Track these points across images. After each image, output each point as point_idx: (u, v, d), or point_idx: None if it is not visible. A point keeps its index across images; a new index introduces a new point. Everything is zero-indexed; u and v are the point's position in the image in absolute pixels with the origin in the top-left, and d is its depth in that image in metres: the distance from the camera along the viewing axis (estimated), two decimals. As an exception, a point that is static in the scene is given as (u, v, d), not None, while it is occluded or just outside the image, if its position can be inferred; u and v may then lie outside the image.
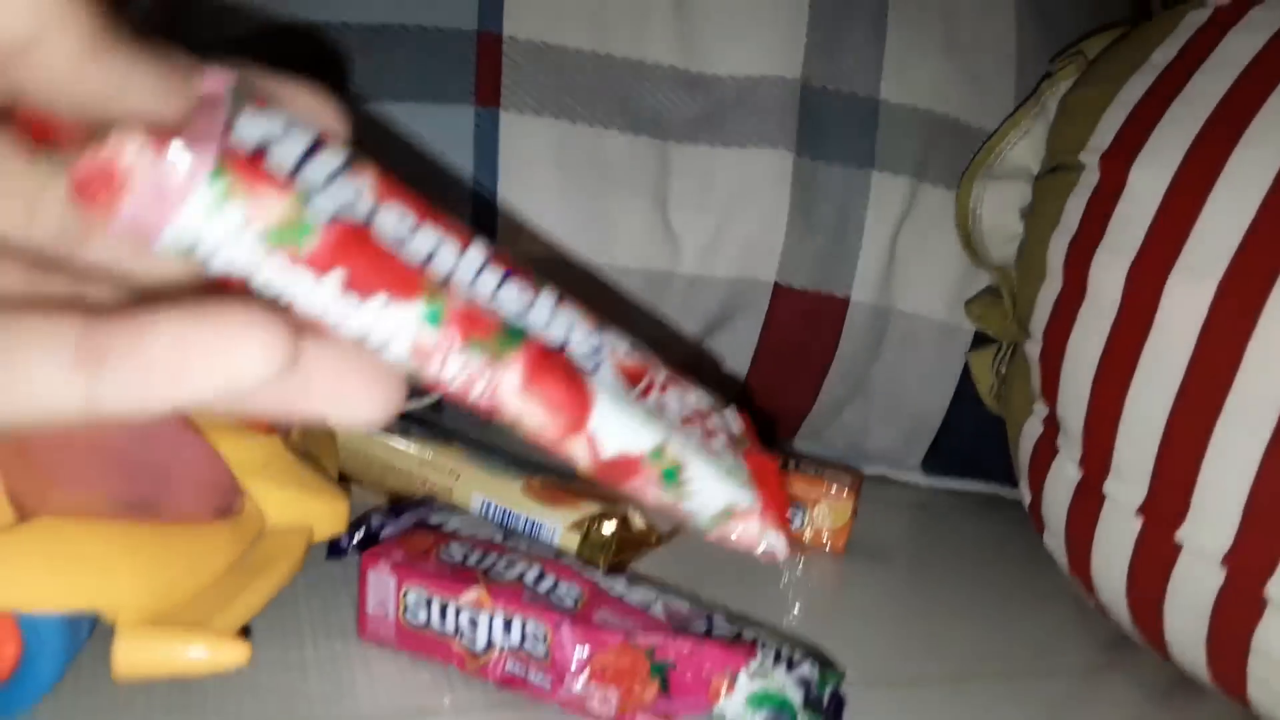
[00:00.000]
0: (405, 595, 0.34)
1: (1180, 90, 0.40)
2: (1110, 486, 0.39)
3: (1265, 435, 0.35)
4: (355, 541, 0.38)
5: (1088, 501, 0.40)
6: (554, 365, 0.19)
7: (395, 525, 0.38)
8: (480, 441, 0.46)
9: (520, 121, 0.52)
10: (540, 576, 0.35)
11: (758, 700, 0.33)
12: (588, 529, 0.40)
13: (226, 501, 0.31)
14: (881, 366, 0.59)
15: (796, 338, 0.57)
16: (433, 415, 0.56)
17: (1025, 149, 0.51)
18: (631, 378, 0.23)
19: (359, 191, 0.18)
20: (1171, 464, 0.36)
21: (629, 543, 0.41)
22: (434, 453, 0.43)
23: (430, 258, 0.18)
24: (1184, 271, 0.37)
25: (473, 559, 0.35)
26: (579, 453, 0.21)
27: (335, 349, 0.18)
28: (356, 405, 0.18)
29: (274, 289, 0.17)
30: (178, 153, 0.16)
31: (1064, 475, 0.42)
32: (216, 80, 0.18)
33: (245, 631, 0.28)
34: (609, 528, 0.40)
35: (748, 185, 0.55)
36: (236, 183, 0.16)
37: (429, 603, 0.34)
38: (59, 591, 0.25)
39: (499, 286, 0.19)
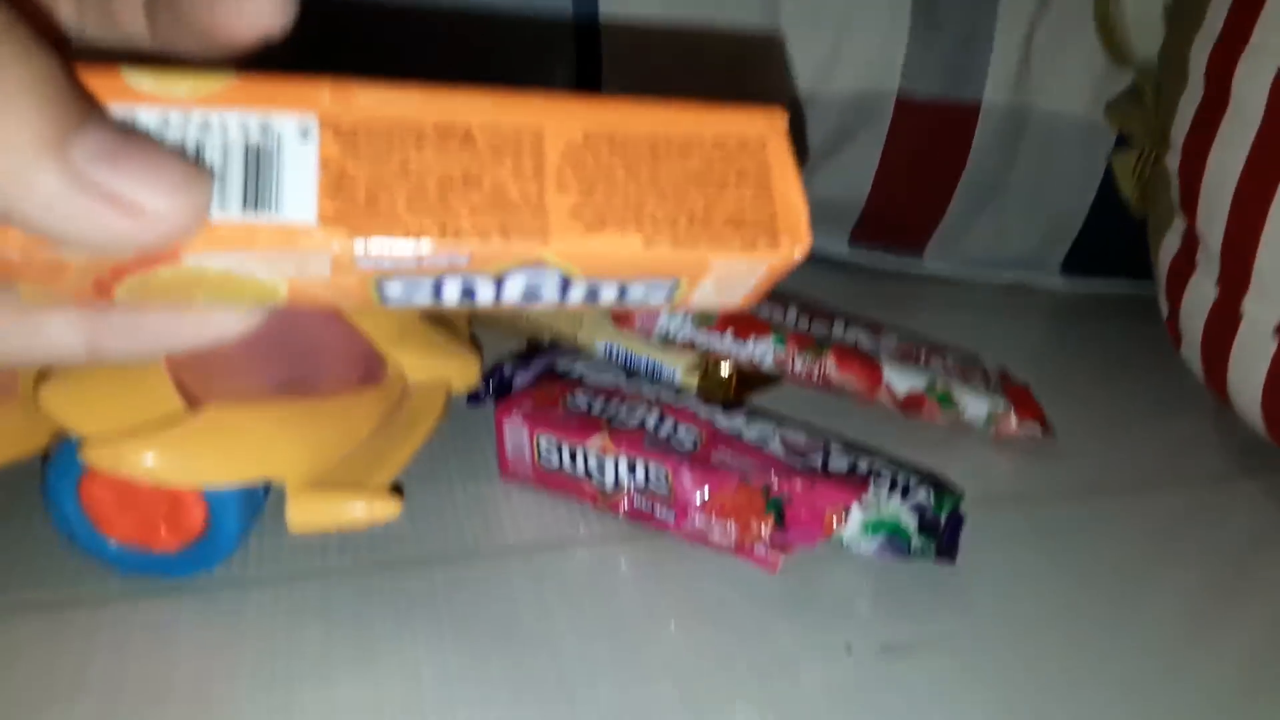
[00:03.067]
0: (537, 442, 0.37)
1: None
2: (1248, 305, 0.37)
3: None
4: (490, 390, 0.41)
5: (1225, 319, 0.39)
6: (851, 355, 0.42)
7: (526, 373, 0.41)
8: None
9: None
10: (661, 420, 0.37)
11: (873, 528, 0.35)
12: (705, 368, 0.42)
13: (371, 370, 0.35)
14: (1019, 170, 0.56)
15: (923, 151, 0.55)
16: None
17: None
18: (902, 354, 0.44)
19: None
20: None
21: (746, 381, 0.42)
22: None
23: (770, 315, 0.43)
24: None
25: (597, 406, 0.37)
26: (884, 397, 0.42)
27: None
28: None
29: (702, 345, 0.42)
30: None
31: (1201, 291, 0.40)
32: None
33: (399, 485, 0.32)
34: (726, 368, 0.42)
35: (865, -9, 0.52)
36: None
37: (559, 448, 0.36)
38: (234, 467, 0.28)
39: (812, 319, 0.44)
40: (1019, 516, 0.39)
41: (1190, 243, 0.41)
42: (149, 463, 0.27)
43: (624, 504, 0.36)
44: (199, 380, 0.29)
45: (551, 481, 0.37)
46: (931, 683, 0.31)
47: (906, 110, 0.54)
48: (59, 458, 0.29)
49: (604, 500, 0.36)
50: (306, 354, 0.32)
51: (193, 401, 0.29)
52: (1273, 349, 0.37)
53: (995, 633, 0.33)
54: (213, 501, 0.29)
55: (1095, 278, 0.61)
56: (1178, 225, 0.42)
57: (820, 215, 0.58)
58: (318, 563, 0.33)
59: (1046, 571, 0.36)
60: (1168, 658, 0.33)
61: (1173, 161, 0.41)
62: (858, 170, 0.56)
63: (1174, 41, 0.41)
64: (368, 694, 0.28)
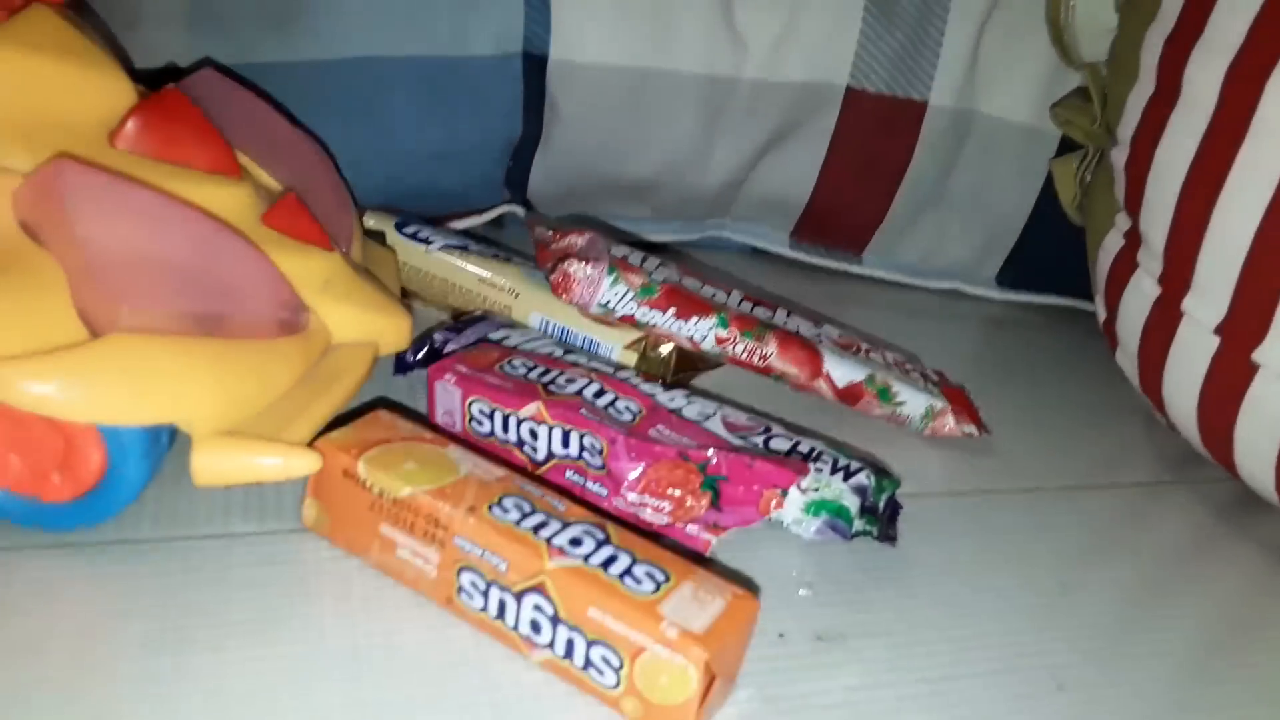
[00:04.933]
0: (470, 406, 0.35)
1: None
2: (1189, 303, 0.37)
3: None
4: (420, 356, 0.39)
5: (1164, 318, 0.39)
6: (793, 341, 0.41)
7: (458, 341, 0.39)
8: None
9: (577, -87, 0.48)
10: (600, 392, 0.35)
11: (814, 508, 0.34)
12: (645, 347, 0.41)
13: (293, 318, 0.32)
14: (960, 174, 0.56)
15: (870, 145, 0.55)
16: (493, 232, 0.56)
17: (1127, -69, 0.46)
18: (843, 346, 0.43)
19: (670, 269, 0.41)
20: (1255, 282, 0.34)
21: (686, 361, 0.41)
22: (493, 271, 0.44)
23: (714, 296, 0.42)
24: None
25: (535, 374, 0.36)
26: (823, 387, 0.41)
27: None
28: None
29: (643, 320, 0.39)
30: (598, 265, 0.38)
31: (1141, 290, 0.40)
32: (590, 233, 0.41)
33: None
34: (666, 347, 0.41)
35: (820, -19, 0.51)
36: (620, 274, 0.39)
37: (491, 414, 0.35)
38: (135, 405, 0.26)
39: (755, 305, 0.43)
40: (954, 511, 0.39)
41: (1132, 241, 0.41)
42: (41, 389, 0.25)
43: (555, 475, 0.34)
44: (104, 307, 0.26)
45: (481, 447, 0.35)
46: (864, 671, 0.30)
47: (855, 103, 0.53)
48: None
49: (533, 470, 0.34)
50: (224, 289, 0.29)
51: (95, 330, 0.26)
52: (1212, 349, 0.37)
53: (929, 621, 0.32)
54: (112, 443, 0.27)
55: (1029, 291, 0.61)
56: (1120, 224, 0.42)
57: (764, 208, 0.58)
58: (219, 527, 0.31)
59: (982, 564, 0.36)
60: (1100, 651, 0.32)
61: (1119, 157, 0.41)
62: (803, 162, 0.55)
63: (1126, 34, 0.41)
64: (262, 660, 0.26)
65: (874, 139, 0.55)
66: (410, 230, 0.46)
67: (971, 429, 0.43)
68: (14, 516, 0.28)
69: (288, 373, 0.31)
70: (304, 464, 0.28)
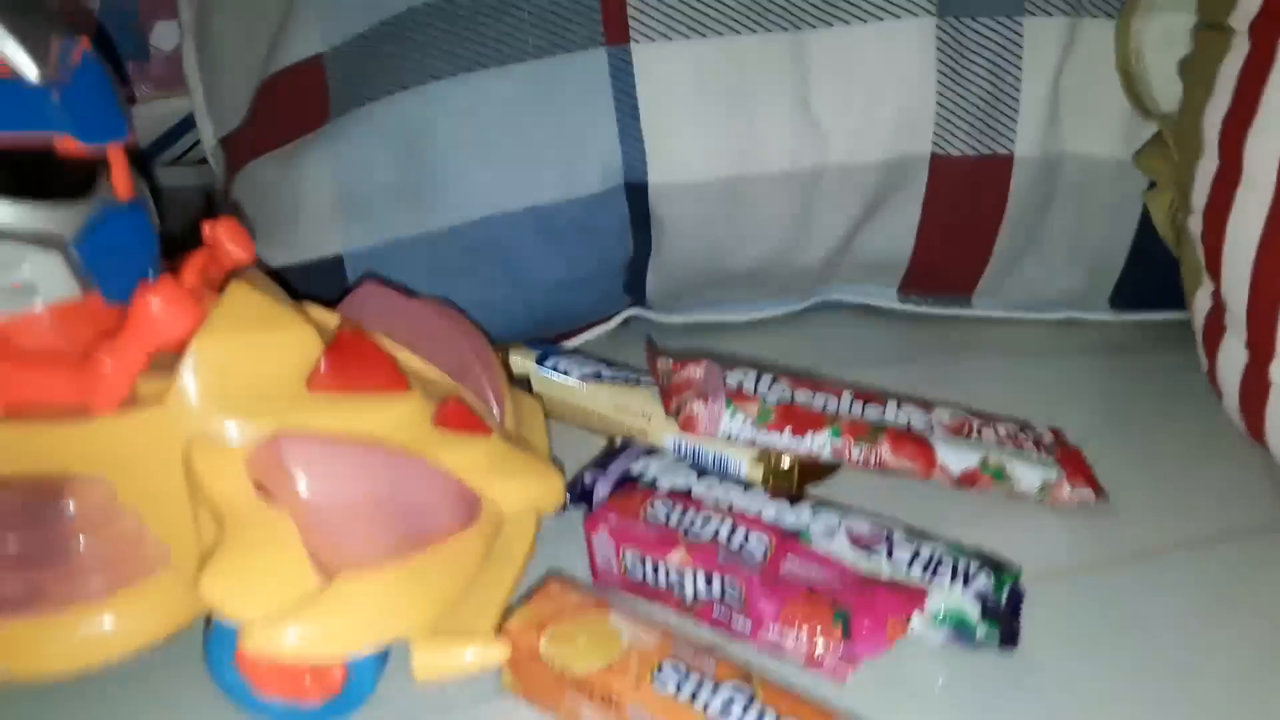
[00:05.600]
0: (623, 556, 0.41)
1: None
2: (1275, 371, 0.39)
3: None
4: (572, 499, 0.45)
5: (1257, 383, 0.41)
6: (905, 439, 0.45)
7: (605, 480, 0.45)
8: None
9: (652, 49, 0.53)
10: (733, 530, 0.40)
11: (939, 620, 0.38)
12: (769, 461, 0.45)
13: (471, 509, 0.39)
14: (1056, 213, 0.58)
15: (961, 206, 0.57)
16: (621, 335, 0.61)
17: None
18: (954, 430, 0.47)
19: (782, 386, 0.47)
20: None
21: (807, 471, 0.46)
22: (626, 399, 0.49)
23: (825, 406, 0.46)
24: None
25: (674, 517, 0.41)
26: (939, 476, 0.45)
27: None
28: None
29: (763, 443, 0.45)
30: (716, 401, 0.45)
31: (1233, 354, 0.42)
32: (706, 363, 0.47)
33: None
34: (787, 460, 0.45)
35: (890, 58, 0.54)
36: (736, 406, 0.45)
37: (643, 561, 0.40)
38: (371, 636, 0.33)
39: (866, 404, 0.47)
40: (1076, 587, 0.42)
41: (1218, 304, 0.43)
42: (298, 647, 0.32)
43: (705, 613, 0.39)
44: (330, 553, 0.33)
45: (639, 590, 0.41)
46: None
47: (942, 168, 0.56)
48: (217, 634, 0.34)
49: (687, 609, 0.40)
50: (419, 510, 0.36)
51: (327, 574, 0.33)
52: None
53: (1062, 713, 0.36)
54: (350, 663, 0.34)
55: (1143, 310, 0.62)
56: (1207, 284, 0.44)
57: (866, 271, 0.61)
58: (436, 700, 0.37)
59: (1106, 641, 0.39)
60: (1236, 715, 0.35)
61: (1195, 226, 0.43)
62: (899, 228, 0.58)
63: (1189, 108, 0.43)
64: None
65: (965, 197, 0.57)
66: (550, 364, 0.52)
67: (1089, 494, 0.46)
68: (277, 716, 0.35)
69: (475, 561, 0.38)
70: (497, 654, 0.35)
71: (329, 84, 0.54)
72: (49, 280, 0.34)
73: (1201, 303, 0.44)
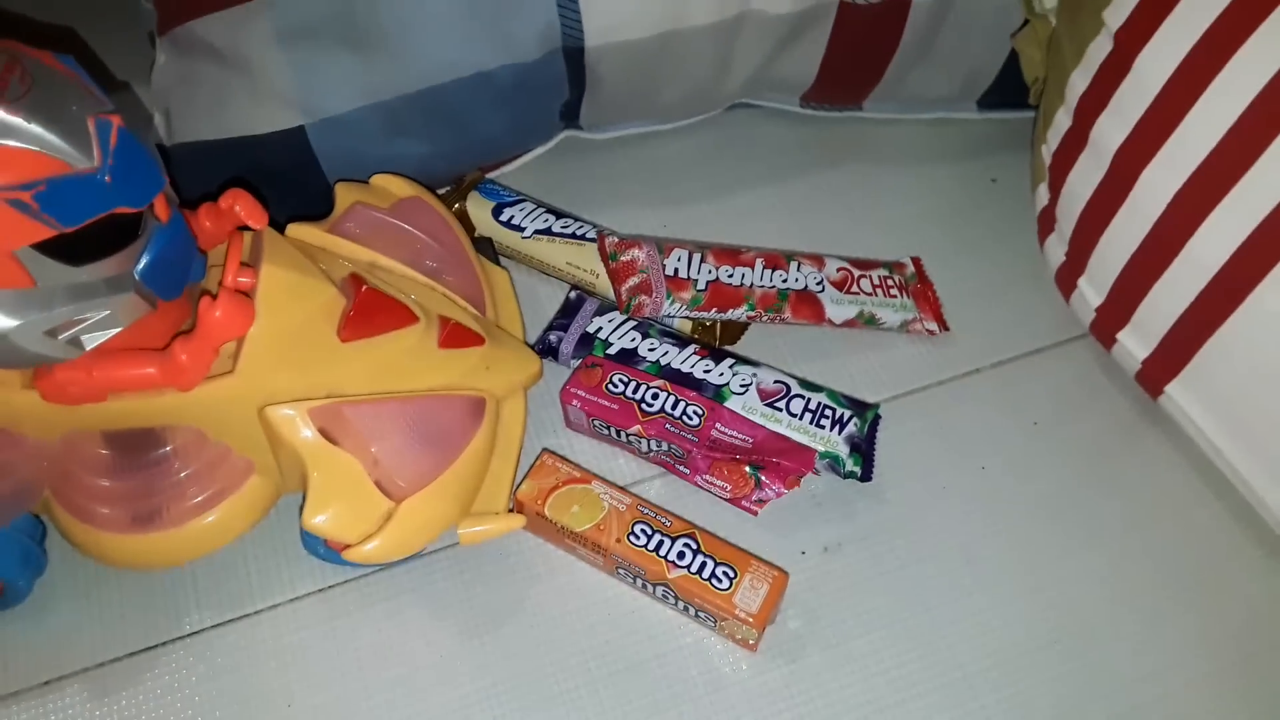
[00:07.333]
0: (593, 421, 0.54)
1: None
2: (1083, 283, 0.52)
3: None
4: (542, 353, 0.56)
5: (1070, 275, 0.54)
6: (803, 301, 0.57)
7: (569, 339, 0.56)
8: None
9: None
10: (675, 403, 0.53)
11: (821, 458, 0.54)
12: (700, 326, 0.57)
13: (480, 412, 0.50)
14: (944, 39, 0.65)
15: (862, 41, 0.63)
16: (556, 158, 0.68)
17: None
18: (838, 285, 0.58)
19: (710, 263, 0.57)
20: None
21: (728, 329, 0.58)
22: (576, 257, 0.59)
23: (743, 281, 0.57)
24: (1162, 164, 0.45)
25: (630, 390, 0.54)
26: (828, 326, 0.58)
27: None
28: None
29: (695, 319, 0.57)
30: (658, 293, 0.56)
31: (1054, 253, 0.54)
32: (647, 247, 0.54)
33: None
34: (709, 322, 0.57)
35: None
36: (674, 294, 0.56)
37: (608, 428, 0.54)
38: (430, 534, 0.47)
39: (773, 270, 0.58)
40: (916, 406, 0.58)
41: (1052, 204, 0.54)
42: (384, 554, 0.45)
43: (657, 460, 0.54)
44: (393, 484, 0.46)
45: (605, 440, 0.55)
46: (862, 570, 0.52)
47: (846, 13, 0.61)
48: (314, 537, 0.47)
49: (642, 455, 0.54)
50: (448, 432, 0.48)
51: (390, 495, 0.46)
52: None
53: (904, 520, 0.53)
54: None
55: (1007, 109, 0.71)
56: (1043, 192, 0.54)
57: (774, 87, 0.68)
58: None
59: (934, 459, 0.56)
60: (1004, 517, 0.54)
61: (1046, 154, 0.53)
62: (805, 59, 0.64)
63: (1056, 64, 0.50)
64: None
65: (866, 34, 0.63)
66: (505, 218, 0.60)
67: (934, 327, 0.60)
68: (341, 561, 0.50)
69: (489, 449, 0.50)
70: (514, 524, 0.49)
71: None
72: (127, 312, 0.41)
73: (1041, 196, 0.55)
